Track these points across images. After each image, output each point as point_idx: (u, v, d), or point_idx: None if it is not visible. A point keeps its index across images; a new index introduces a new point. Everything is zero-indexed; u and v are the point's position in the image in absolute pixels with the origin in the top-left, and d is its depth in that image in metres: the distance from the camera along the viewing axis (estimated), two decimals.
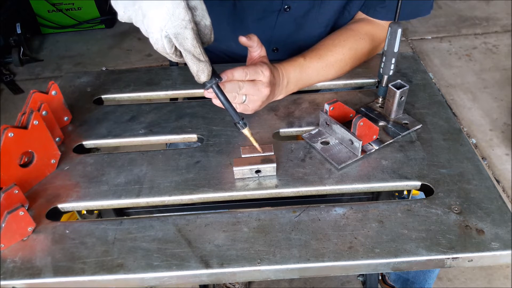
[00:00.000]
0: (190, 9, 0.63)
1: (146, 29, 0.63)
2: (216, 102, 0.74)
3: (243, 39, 0.80)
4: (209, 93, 0.74)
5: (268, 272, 0.63)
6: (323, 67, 0.94)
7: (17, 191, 0.67)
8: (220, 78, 0.72)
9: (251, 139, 0.75)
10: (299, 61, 0.91)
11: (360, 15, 1.03)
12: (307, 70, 0.92)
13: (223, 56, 1.14)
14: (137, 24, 0.65)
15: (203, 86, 0.70)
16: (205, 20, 0.65)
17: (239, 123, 0.73)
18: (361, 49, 0.98)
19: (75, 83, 1.02)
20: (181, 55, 0.66)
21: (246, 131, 0.75)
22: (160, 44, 0.63)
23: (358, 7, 1.02)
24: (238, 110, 0.82)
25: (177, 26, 0.61)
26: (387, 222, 0.67)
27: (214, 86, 0.71)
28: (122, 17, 0.66)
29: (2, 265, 0.64)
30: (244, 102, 0.81)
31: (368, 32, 0.99)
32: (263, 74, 0.80)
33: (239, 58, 1.09)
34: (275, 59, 0.90)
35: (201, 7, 0.64)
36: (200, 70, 0.66)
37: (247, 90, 0.79)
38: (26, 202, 0.70)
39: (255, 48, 0.82)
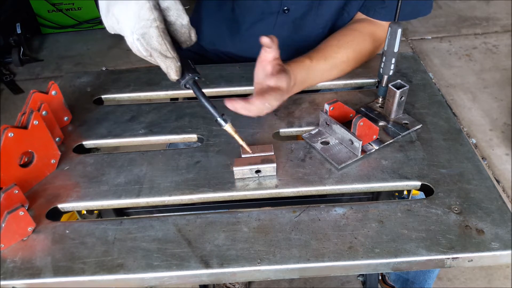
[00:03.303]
0: (160, 10, 0.63)
1: (123, 34, 0.64)
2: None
3: (265, 40, 0.76)
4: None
5: (268, 272, 0.63)
6: (328, 69, 0.94)
7: (17, 191, 0.67)
8: (197, 74, 0.69)
9: (235, 136, 0.72)
10: (306, 63, 0.91)
11: (361, 15, 1.02)
12: (313, 72, 0.92)
13: (223, 57, 1.15)
14: (116, 31, 0.65)
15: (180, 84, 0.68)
16: (181, 20, 0.65)
17: (219, 118, 0.70)
18: (364, 50, 0.98)
19: (75, 83, 1.02)
20: None
21: (228, 128, 0.71)
22: (135, 47, 0.64)
23: (357, 8, 1.02)
24: (251, 115, 0.80)
25: (143, 27, 0.62)
26: (387, 222, 0.67)
27: (190, 83, 0.68)
28: (108, 28, 0.67)
29: (2, 265, 0.64)
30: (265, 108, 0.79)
31: (371, 33, 0.99)
32: (286, 80, 0.80)
33: (238, 59, 1.09)
34: None
35: (176, 7, 0.64)
36: (168, 66, 0.65)
37: (272, 97, 0.77)
38: (26, 202, 0.70)
39: (273, 50, 0.79)
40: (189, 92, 0.98)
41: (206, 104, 0.70)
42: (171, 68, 0.65)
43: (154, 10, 0.61)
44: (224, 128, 0.71)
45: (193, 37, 0.68)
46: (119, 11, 0.63)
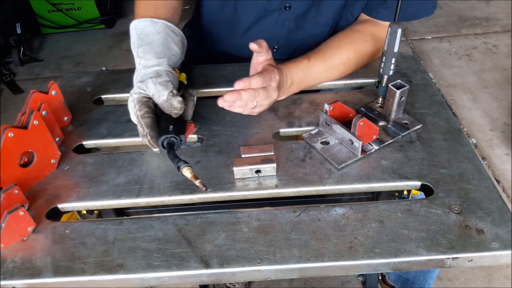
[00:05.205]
0: (146, 98, 0.77)
1: None
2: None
3: (253, 46, 0.79)
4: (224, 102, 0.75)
5: (268, 272, 0.63)
6: (327, 70, 0.94)
7: (17, 191, 0.67)
8: (172, 135, 0.73)
9: (192, 180, 0.68)
10: (304, 63, 0.91)
11: (364, 16, 1.02)
12: (311, 72, 0.92)
13: (224, 57, 1.14)
14: None
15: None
16: (162, 97, 0.76)
17: (176, 165, 0.69)
18: (366, 52, 0.98)
19: (75, 83, 1.02)
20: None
21: (185, 172, 0.68)
22: None
23: (360, 8, 1.02)
24: (244, 113, 0.83)
25: (132, 117, 0.78)
26: (387, 222, 0.67)
27: (164, 143, 0.73)
28: None
29: (2, 265, 0.64)
30: (254, 107, 0.82)
31: (373, 34, 0.99)
32: (274, 79, 0.82)
33: (239, 60, 1.09)
34: (275, 58, 0.90)
35: (156, 91, 0.76)
36: (144, 141, 0.76)
37: (261, 96, 0.80)
38: (26, 202, 0.70)
39: (264, 53, 0.82)
40: None
41: (169, 156, 0.72)
42: (145, 141, 0.76)
43: (137, 103, 0.76)
44: (181, 172, 0.69)
45: (175, 104, 0.77)
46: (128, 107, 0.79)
